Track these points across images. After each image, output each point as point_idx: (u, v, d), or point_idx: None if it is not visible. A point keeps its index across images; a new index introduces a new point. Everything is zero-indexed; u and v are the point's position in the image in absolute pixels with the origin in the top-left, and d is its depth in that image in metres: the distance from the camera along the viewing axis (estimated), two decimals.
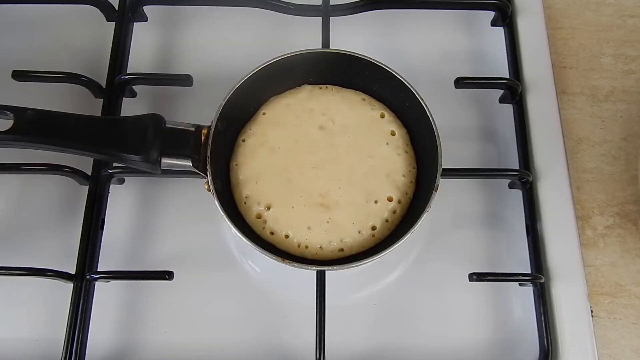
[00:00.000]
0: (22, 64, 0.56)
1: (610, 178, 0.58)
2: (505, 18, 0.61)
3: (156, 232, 0.55)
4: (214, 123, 0.49)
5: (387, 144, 0.52)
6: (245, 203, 0.50)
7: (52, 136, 0.46)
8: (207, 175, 0.48)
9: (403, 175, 0.51)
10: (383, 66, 0.52)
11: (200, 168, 0.48)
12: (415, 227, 0.46)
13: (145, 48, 0.62)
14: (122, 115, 0.58)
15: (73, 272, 0.50)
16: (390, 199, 0.50)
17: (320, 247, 0.49)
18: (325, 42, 0.58)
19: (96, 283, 0.51)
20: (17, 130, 0.45)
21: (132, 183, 0.56)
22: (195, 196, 0.55)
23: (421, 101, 0.51)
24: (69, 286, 0.50)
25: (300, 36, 0.61)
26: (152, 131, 0.47)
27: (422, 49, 0.62)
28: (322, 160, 0.51)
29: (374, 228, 0.50)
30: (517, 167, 0.56)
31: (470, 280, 0.50)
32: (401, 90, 0.52)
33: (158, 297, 0.52)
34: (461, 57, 0.62)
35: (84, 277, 0.50)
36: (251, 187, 0.50)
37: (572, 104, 0.61)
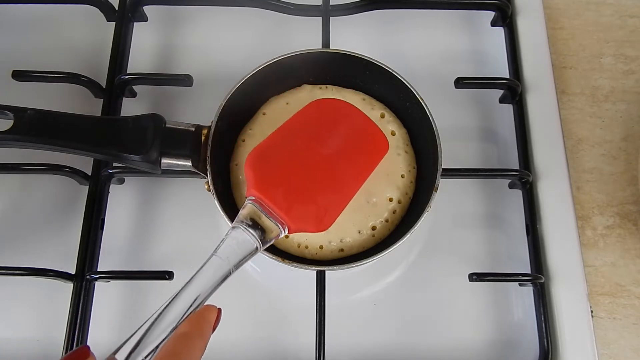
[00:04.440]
0: (22, 64, 0.56)
1: (610, 178, 0.58)
2: (505, 18, 0.61)
3: (156, 232, 0.55)
4: (214, 123, 0.49)
5: None
6: None
7: (52, 136, 0.46)
8: (207, 175, 0.48)
9: (403, 175, 0.51)
10: (383, 66, 0.52)
11: (200, 168, 0.48)
12: (415, 227, 0.46)
13: (145, 48, 0.62)
14: (122, 115, 0.58)
15: (73, 272, 0.51)
16: (390, 199, 0.50)
17: (320, 247, 0.49)
18: (325, 42, 0.58)
19: (96, 283, 0.51)
20: (17, 130, 0.45)
21: (132, 183, 0.57)
22: (195, 196, 0.55)
23: (421, 101, 0.51)
24: (69, 286, 0.50)
25: (300, 36, 0.62)
26: (152, 131, 0.47)
27: (422, 49, 0.62)
28: None
29: (374, 228, 0.50)
30: (517, 167, 0.56)
31: (470, 280, 0.50)
32: (401, 90, 0.52)
33: (158, 297, 0.52)
34: (461, 57, 0.63)
35: (84, 277, 0.50)
36: None
37: (572, 104, 0.61)
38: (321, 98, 0.49)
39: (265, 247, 0.41)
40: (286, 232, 0.42)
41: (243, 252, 0.39)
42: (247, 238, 0.40)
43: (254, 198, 0.42)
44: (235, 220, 0.41)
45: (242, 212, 0.41)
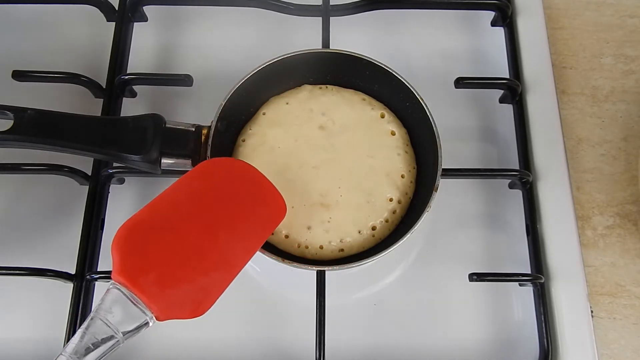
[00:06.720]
0: (22, 64, 0.56)
1: (610, 178, 0.58)
2: (505, 18, 0.61)
3: None
4: (214, 123, 0.49)
5: (387, 144, 0.52)
6: None
7: (52, 136, 0.46)
8: None
9: (403, 176, 0.51)
10: (383, 66, 0.52)
11: None
12: (415, 227, 0.46)
13: (145, 48, 0.62)
14: (122, 115, 0.58)
15: (73, 272, 0.50)
16: (390, 199, 0.50)
17: (320, 247, 0.49)
18: (325, 42, 0.58)
19: (96, 283, 0.51)
20: (17, 130, 0.45)
21: (132, 183, 0.56)
22: None
23: (421, 101, 0.51)
24: (69, 286, 0.50)
25: (300, 36, 0.61)
26: (152, 131, 0.47)
27: (422, 49, 0.62)
28: (322, 160, 0.51)
29: (374, 228, 0.50)
30: (517, 167, 0.56)
31: (470, 281, 0.50)
32: (401, 90, 0.52)
33: None
34: (461, 57, 0.62)
35: (84, 277, 0.50)
36: None
37: (572, 104, 0.61)
38: (212, 158, 0.45)
39: (128, 338, 0.36)
40: (154, 322, 0.38)
41: (102, 350, 0.35)
42: (108, 331, 0.35)
43: (118, 283, 0.37)
44: (94, 310, 0.36)
45: (104, 299, 0.37)
